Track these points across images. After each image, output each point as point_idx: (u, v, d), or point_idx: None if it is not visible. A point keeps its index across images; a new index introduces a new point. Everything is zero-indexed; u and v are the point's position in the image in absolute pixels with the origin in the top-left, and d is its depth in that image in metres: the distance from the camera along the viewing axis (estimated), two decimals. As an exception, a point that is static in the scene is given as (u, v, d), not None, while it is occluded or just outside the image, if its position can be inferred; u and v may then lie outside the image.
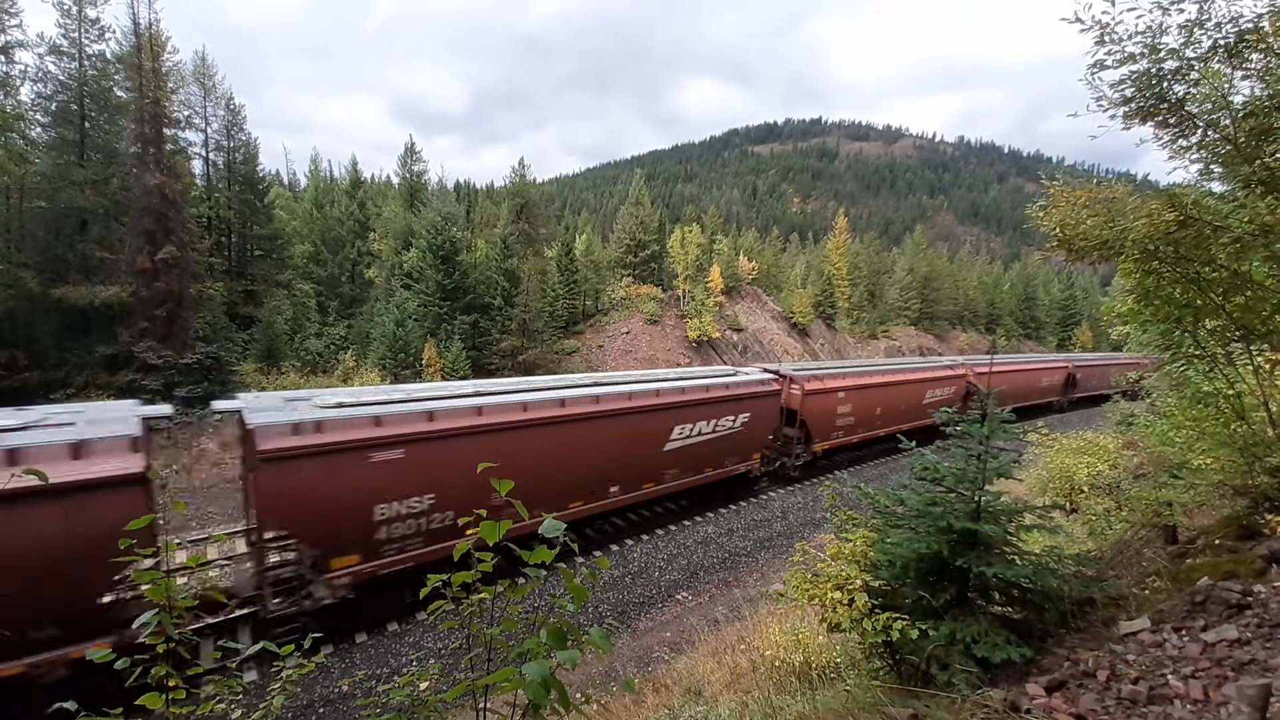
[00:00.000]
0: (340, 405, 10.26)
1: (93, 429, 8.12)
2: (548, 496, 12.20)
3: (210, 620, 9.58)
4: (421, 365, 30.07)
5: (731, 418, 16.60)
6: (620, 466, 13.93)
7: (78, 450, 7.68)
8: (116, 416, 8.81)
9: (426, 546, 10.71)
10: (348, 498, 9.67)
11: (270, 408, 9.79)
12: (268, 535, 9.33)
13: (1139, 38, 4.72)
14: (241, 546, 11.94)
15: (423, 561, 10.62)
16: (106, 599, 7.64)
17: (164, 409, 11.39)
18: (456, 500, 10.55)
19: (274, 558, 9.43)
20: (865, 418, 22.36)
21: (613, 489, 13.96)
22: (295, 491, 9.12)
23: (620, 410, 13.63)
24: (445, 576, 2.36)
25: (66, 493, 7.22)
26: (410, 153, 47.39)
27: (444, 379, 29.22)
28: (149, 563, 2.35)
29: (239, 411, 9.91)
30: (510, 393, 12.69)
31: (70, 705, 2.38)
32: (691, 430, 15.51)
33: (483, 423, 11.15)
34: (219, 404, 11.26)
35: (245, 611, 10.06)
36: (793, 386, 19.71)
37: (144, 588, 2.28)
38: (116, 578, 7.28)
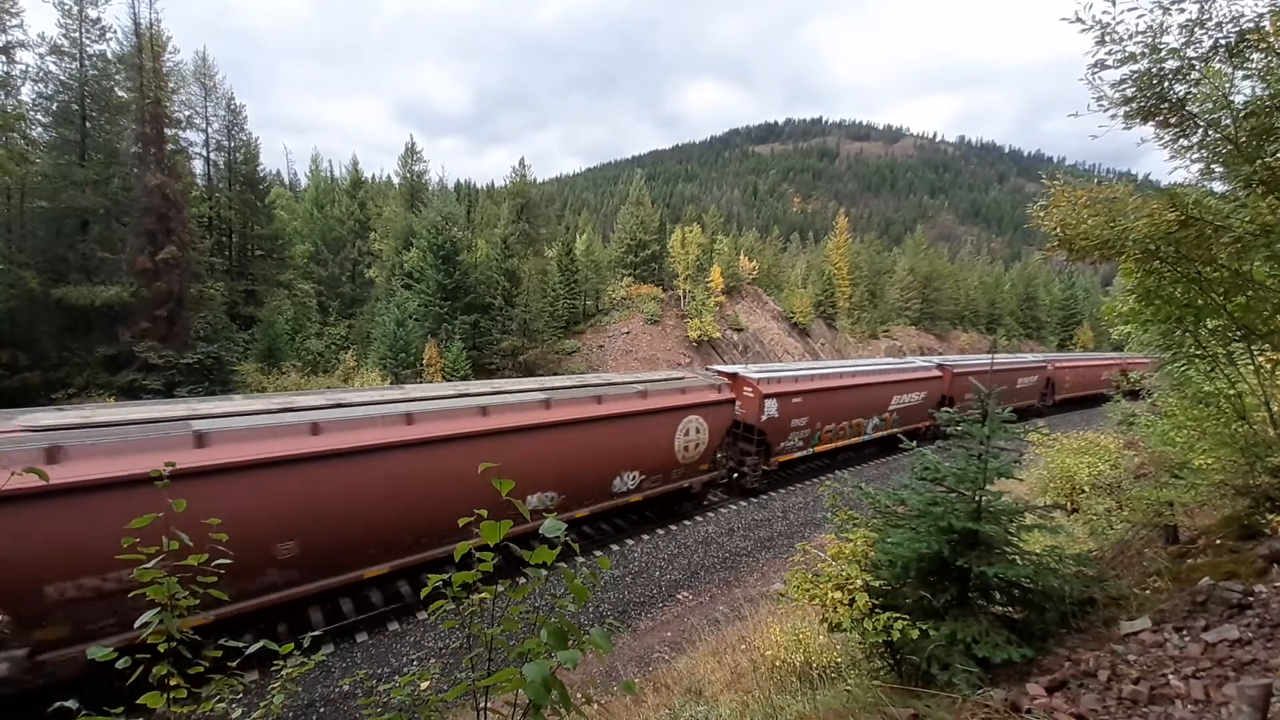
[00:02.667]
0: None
1: None
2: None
3: None
4: (422, 365, 30.10)
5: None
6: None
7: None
8: None
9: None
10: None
11: None
12: None
13: (1140, 37, 4.71)
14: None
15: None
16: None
17: None
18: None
19: None
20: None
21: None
22: None
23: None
24: (446, 576, 2.36)
25: None
26: (411, 153, 47.45)
27: (444, 379, 29.25)
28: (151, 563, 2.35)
29: None
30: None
31: (71, 704, 2.39)
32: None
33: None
34: None
35: None
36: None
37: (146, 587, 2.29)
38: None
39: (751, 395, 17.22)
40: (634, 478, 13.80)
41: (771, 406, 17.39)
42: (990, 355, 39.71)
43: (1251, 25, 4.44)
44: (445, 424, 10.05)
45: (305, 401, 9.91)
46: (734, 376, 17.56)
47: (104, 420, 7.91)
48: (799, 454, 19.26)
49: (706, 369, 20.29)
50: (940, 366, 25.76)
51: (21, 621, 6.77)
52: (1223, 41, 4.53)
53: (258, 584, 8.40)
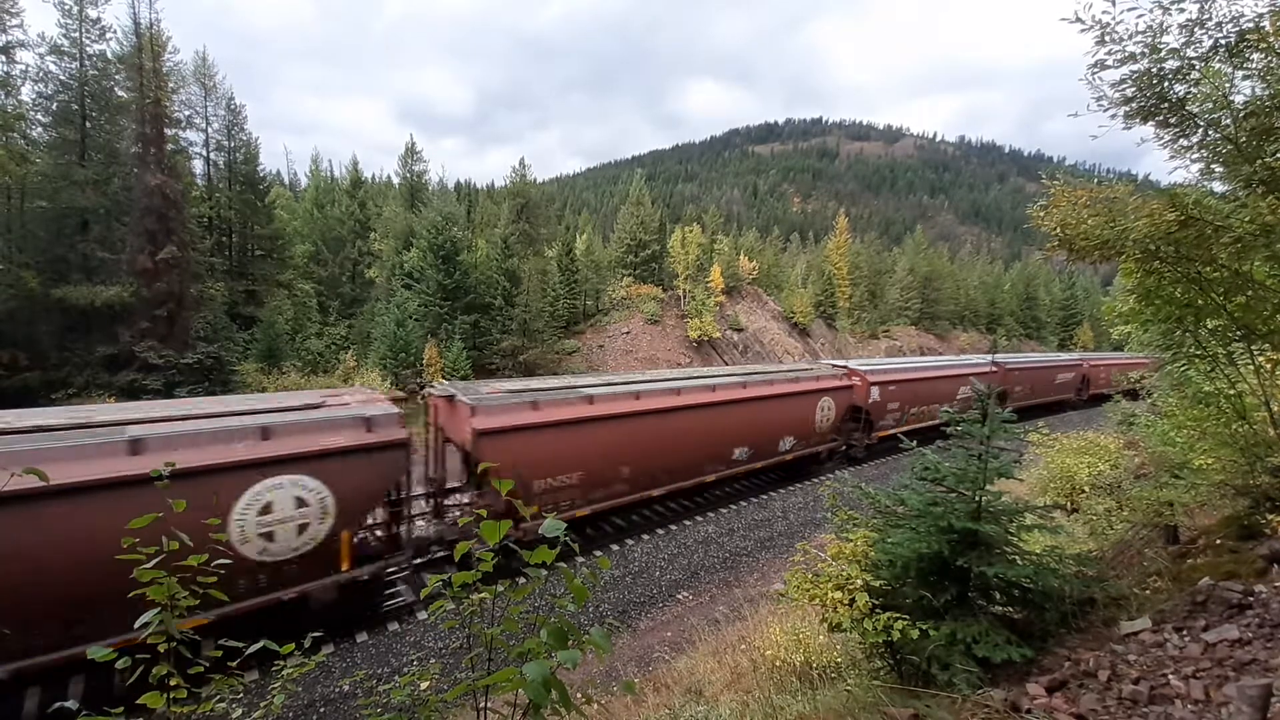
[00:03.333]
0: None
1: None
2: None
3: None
4: (422, 365, 30.10)
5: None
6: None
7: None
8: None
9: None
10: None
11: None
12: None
13: (1139, 37, 4.71)
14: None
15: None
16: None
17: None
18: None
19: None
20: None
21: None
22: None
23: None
24: (446, 576, 2.36)
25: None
26: (411, 153, 47.47)
27: (445, 379, 29.25)
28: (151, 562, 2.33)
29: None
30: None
31: (71, 704, 2.39)
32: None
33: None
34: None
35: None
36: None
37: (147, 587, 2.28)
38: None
39: (860, 384, 21.84)
40: (790, 441, 18.88)
41: (875, 392, 22.26)
42: (1037, 354, 44.91)
43: (1251, 25, 4.43)
44: (703, 395, 15.98)
45: (642, 379, 16.36)
46: (847, 369, 22.06)
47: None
48: (890, 430, 23.36)
49: (824, 362, 25.16)
50: (995, 362, 30.26)
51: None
52: (1223, 41, 4.53)
53: (612, 490, 14.00)
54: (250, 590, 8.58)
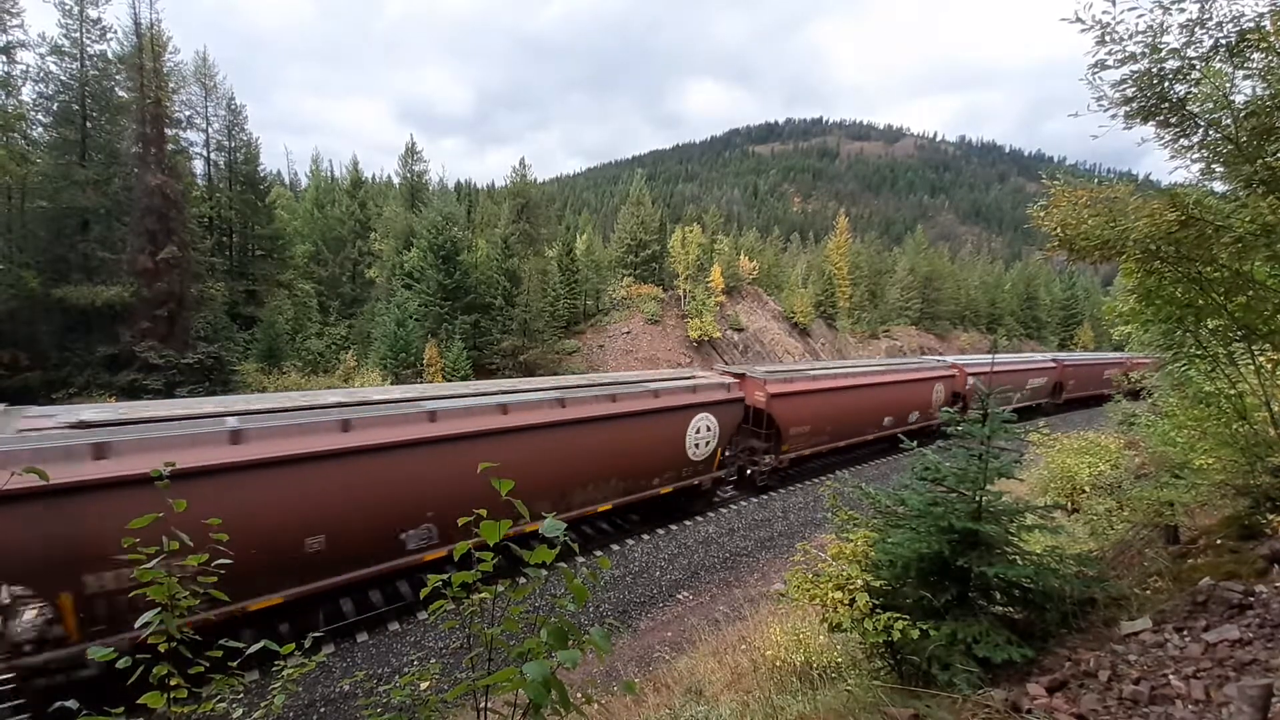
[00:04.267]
0: None
1: None
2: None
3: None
4: (423, 365, 30.09)
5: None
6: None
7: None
8: None
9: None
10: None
11: None
12: None
13: (1140, 37, 4.71)
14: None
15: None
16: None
17: None
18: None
19: None
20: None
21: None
22: None
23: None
24: (446, 576, 2.36)
25: None
26: (411, 153, 47.48)
27: (444, 379, 29.26)
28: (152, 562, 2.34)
29: None
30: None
31: (71, 704, 2.39)
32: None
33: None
34: None
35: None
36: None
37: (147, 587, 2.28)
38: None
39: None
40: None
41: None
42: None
43: (1252, 25, 4.43)
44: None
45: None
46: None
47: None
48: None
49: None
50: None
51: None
52: (1223, 41, 4.53)
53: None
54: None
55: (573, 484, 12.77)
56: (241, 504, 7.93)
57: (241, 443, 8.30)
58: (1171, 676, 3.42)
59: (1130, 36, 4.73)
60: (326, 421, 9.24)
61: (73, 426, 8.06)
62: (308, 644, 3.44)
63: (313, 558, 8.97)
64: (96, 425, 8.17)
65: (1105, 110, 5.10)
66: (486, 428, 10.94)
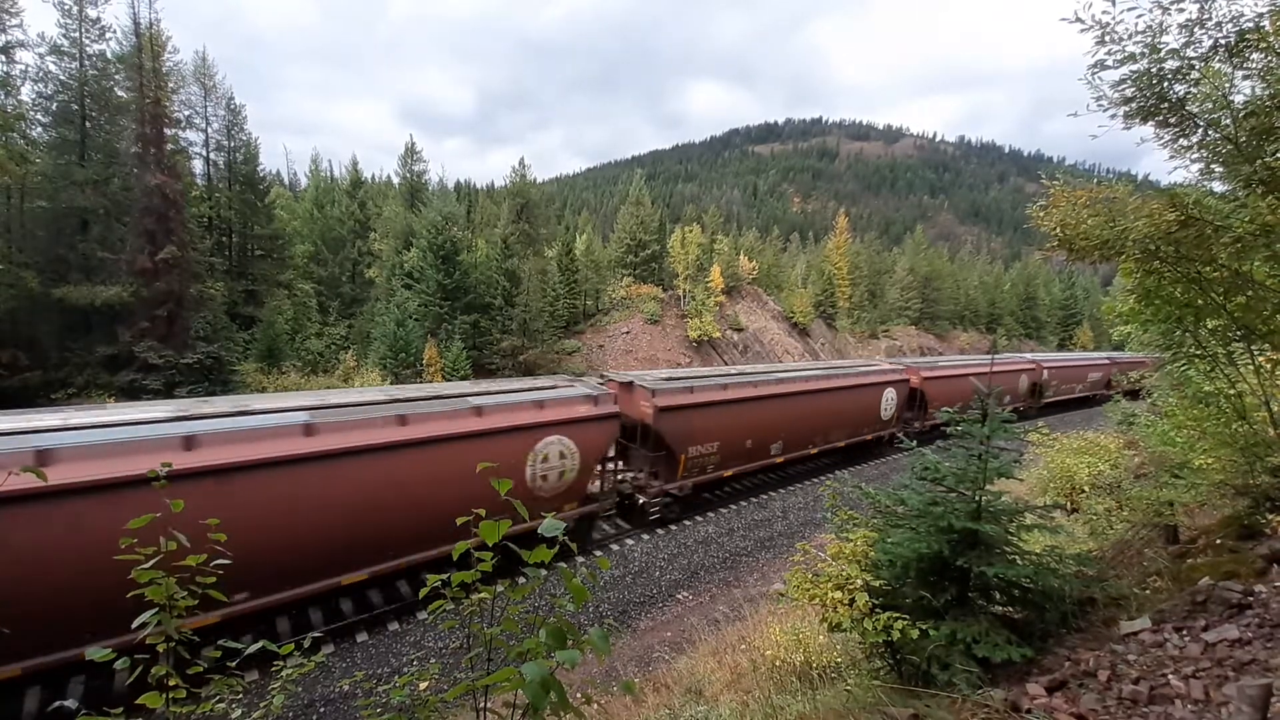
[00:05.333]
0: None
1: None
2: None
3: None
4: (422, 365, 30.08)
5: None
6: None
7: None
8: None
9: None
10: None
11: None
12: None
13: (1139, 37, 4.71)
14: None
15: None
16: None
17: None
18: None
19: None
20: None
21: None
22: None
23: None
24: (445, 576, 2.36)
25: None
26: (410, 153, 47.48)
27: (444, 379, 29.25)
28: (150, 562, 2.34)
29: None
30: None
31: (70, 704, 2.39)
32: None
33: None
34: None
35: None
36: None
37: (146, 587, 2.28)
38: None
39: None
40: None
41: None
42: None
43: (1251, 25, 4.43)
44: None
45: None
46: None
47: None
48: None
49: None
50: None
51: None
52: (1222, 41, 4.53)
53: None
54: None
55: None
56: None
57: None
58: (1171, 676, 3.42)
59: (1130, 36, 4.73)
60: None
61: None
62: (307, 644, 3.44)
63: None
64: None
65: (1105, 110, 5.10)
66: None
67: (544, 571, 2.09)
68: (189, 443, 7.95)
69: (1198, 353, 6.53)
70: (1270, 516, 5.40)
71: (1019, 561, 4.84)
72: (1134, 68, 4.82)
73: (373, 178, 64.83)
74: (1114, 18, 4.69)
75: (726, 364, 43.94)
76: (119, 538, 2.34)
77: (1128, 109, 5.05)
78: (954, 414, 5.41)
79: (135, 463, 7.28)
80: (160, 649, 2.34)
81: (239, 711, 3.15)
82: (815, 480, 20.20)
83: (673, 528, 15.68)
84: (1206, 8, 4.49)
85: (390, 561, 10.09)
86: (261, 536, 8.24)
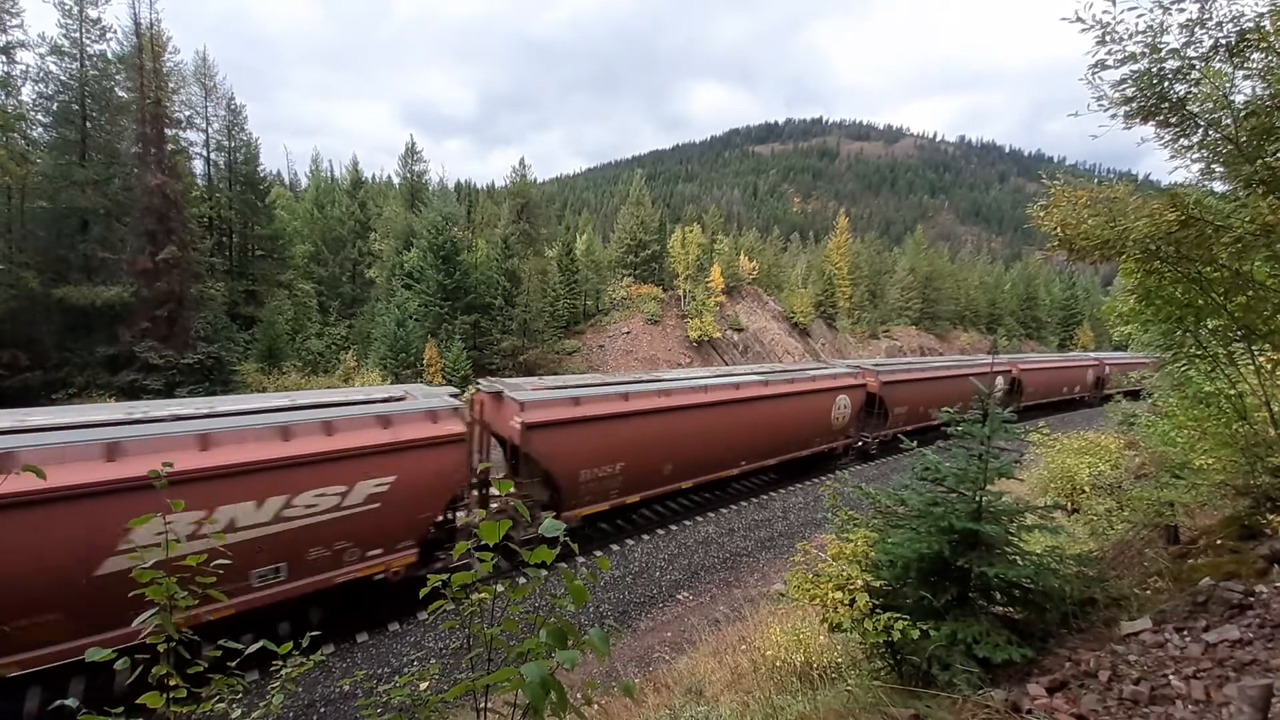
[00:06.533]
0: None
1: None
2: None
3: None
4: (423, 365, 30.09)
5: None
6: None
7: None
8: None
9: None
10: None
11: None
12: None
13: (1140, 37, 4.71)
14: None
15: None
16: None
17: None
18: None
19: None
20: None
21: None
22: None
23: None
24: (445, 576, 2.36)
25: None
26: (411, 153, 47.48)
27: (445, 379, 29.25)
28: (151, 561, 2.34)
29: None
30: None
31: (71, 702, 2.39)
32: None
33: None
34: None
35: None
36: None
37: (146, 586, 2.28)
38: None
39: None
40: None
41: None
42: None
43: (1251, 25, 4.43)
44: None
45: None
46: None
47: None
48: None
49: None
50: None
51: None
52: (1223, 41, 4.53)
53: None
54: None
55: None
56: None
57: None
58: (1172, 677, 3.42)
59: (1130, 36, 4.73)
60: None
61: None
62: (306, 643, 3.44)
63: None
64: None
65: (1105, 110, 5.10)
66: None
67: (544, 572, 2.09)
68: None
69: (1198, 353, 6.53)
70: (1271, 517, 5.39)
71: (1020, 562, 4.83)
72: (1134, 67, 4.82)
73: (373, 178, 64.86)
74: (1114, 17, 4.69)
75: (727, 364, 43.93)
76: None
77: (1128, 109, 5.04)
78: (954, 414, 5.41)
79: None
80: (160, 648, 2.34)
81: (239, 711, 3.15)
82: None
83: (673, 528, 15.66)
84: (1207, 7, 4.49)
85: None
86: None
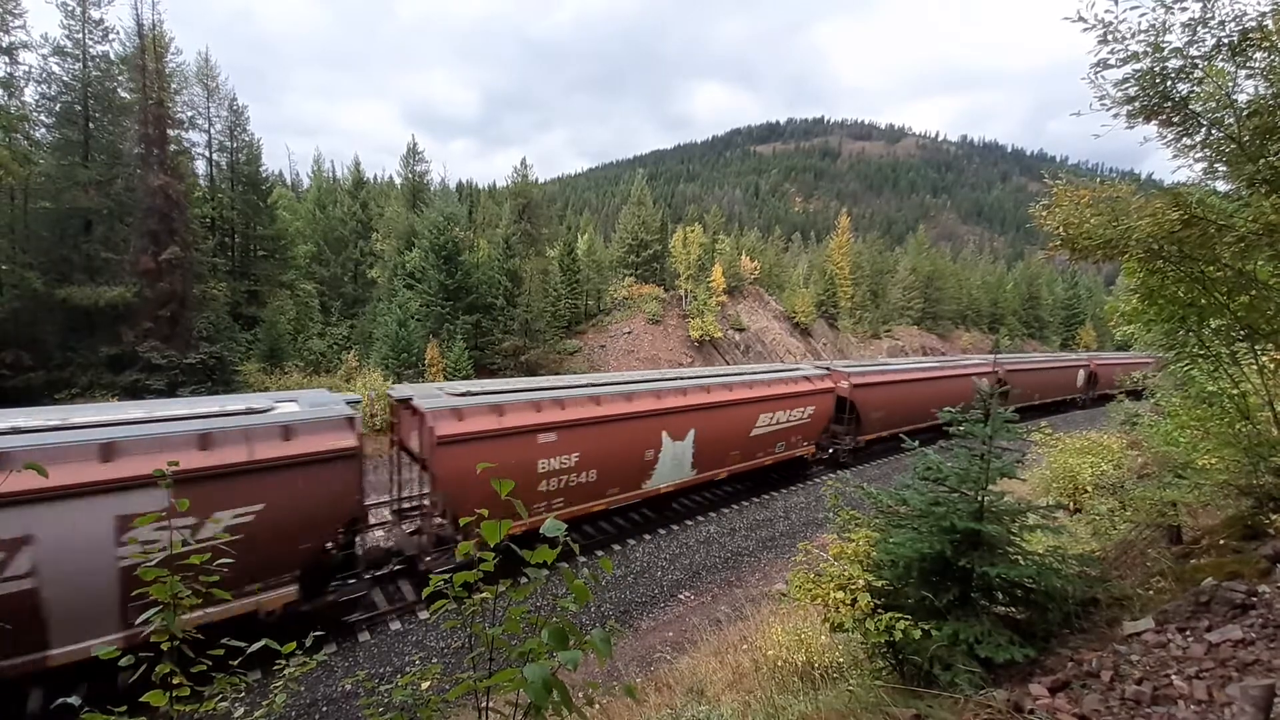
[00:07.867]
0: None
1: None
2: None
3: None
4: (424, 365, 30.12)
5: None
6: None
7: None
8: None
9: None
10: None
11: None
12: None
13: (1142, 36, 4.70)
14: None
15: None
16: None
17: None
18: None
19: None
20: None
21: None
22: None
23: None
24: (447, 576, 2.36)
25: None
26: (412, 153, 47.53)
27: (446, 379, 29.28)
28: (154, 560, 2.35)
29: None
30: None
31: (74, 701, 2.39)
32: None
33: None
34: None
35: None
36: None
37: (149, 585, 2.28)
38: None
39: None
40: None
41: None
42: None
43: (1254, 24, 4.42)
44: None
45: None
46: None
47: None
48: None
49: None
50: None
51: None
52: (1225, 40, 4.52)
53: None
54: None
55: None
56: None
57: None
58: (1174, 677, 3.41)
59: (1132, 35, 4.72)
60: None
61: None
62: (309, 643, 3.45)
63: None
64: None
65: (1108, 109, 5.09)
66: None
67: (545, 572, 2.10)
68: None
69: (1201, 352, 6.51)
70: (1274, 517, 5.38)
71: (1021, 562, 4.83)
72: (1137, 67, 4.81)
73: (375, 178, 64.92)
74: (1117, 17, 4.68)
75: (729, 364, 43.90)
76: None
77: (1131, 108, 5.04)
78: (955, 414, 5.41)
79: None
80: (164, 647, 2.35)
81: (241, 710, 3.16)
82: (747, 502, 17.49)
83: (674, 527, 15.65)
84: (1209, 7, 4.48)
85: None
86: None
